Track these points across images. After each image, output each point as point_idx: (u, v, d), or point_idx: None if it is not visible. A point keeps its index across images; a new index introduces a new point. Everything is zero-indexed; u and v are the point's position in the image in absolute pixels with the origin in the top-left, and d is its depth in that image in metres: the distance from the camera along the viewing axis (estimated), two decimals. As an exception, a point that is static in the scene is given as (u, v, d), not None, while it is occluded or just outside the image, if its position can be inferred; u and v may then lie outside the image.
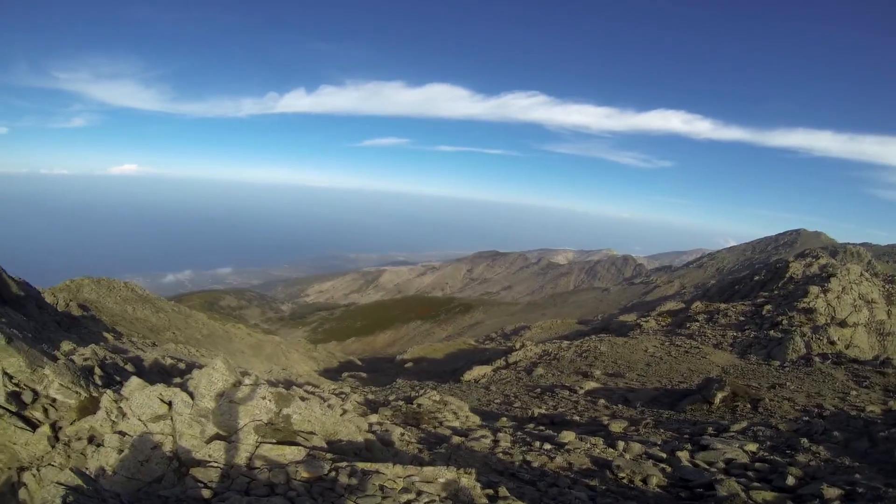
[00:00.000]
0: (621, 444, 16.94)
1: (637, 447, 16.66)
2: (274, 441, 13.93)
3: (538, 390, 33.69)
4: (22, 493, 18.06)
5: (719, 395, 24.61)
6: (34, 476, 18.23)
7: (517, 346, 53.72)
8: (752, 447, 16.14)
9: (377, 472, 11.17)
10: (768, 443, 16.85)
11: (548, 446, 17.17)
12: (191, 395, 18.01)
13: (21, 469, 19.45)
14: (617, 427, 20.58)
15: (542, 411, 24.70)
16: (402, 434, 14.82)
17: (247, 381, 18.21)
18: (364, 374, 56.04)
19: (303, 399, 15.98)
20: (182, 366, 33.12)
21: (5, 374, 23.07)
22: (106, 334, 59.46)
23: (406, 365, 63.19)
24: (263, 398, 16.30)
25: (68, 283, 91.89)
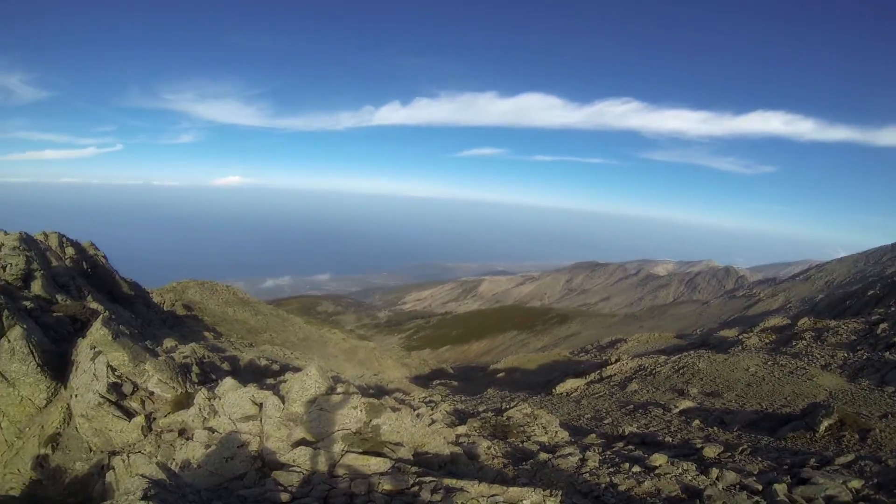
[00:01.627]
0: (714, 471, 15.81)
1: (731, 476, 15.50)
2: (360, 451, 13.76)
3: (630, 407, 32.42)
4: (109, 476, 18.70)
5: (825, 423, 22.62)
6: (123, 461, 18.87)
7: (612, 359, 52.30)
8: (856, 484, 14.64)
9: (461, 489, 10.70)
10: (875, 480, 15.24)
11: (636, 469, 16.25)
12: (282, 398, 18.23)
13: (112, 454, 20.20)
14: (711, 452, 19.34)
15: (633, 430, 23.52)
16: (489, 447, 14.37)
17: (339, 388, 18.18)
18: (455, 383, 55.92)
19: (394, 410, 15.75)
20: (276, 367, 33.85)
21: (109, 366, 24.24)
22: (206, 333, 62.08)
23: (498, 375, 62.69)
24: (355, 408, 16.21)
25: (175, 284, 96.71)
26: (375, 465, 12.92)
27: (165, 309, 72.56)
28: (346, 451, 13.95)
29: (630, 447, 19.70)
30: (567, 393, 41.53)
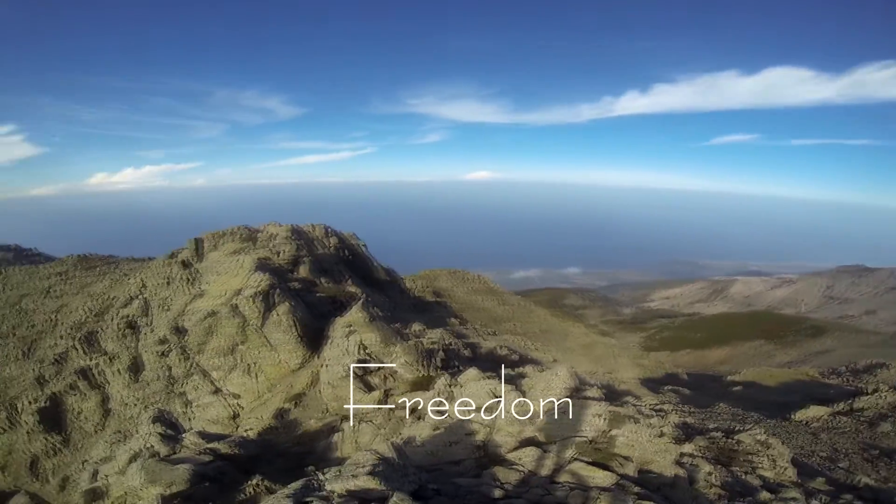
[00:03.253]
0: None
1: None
2: (589, 460, 13.76)
3: (875, 452, 28.24)
4: (335, 437, 20.83)
5: None
6: (352, 427, 20.90)
7: (867, 388, 45.59)
8: None
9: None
10: None
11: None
12: (522, 393, 18.84)
13: (344, 418, 22.51)
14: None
15: (870, 482, 20.14)
16: (709, 474, 13.68)
17: (588, 392, 18.32)
18: (686, 391, 52.88)
19: (635, 422, 15.58)
20: (514, 357, 34.93)
21: (361, 344, 27.16)
22: (452, 320, 65.43)
23: (733, 388, 58.00)
24: (598, 415, 16.26)
25: (427, 272, 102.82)
26: (600, 478, 12.85)
27: (416, 294, 77.63)
28: (575, 459, 13.96)
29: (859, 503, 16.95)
30: (806, 421, 36.97)
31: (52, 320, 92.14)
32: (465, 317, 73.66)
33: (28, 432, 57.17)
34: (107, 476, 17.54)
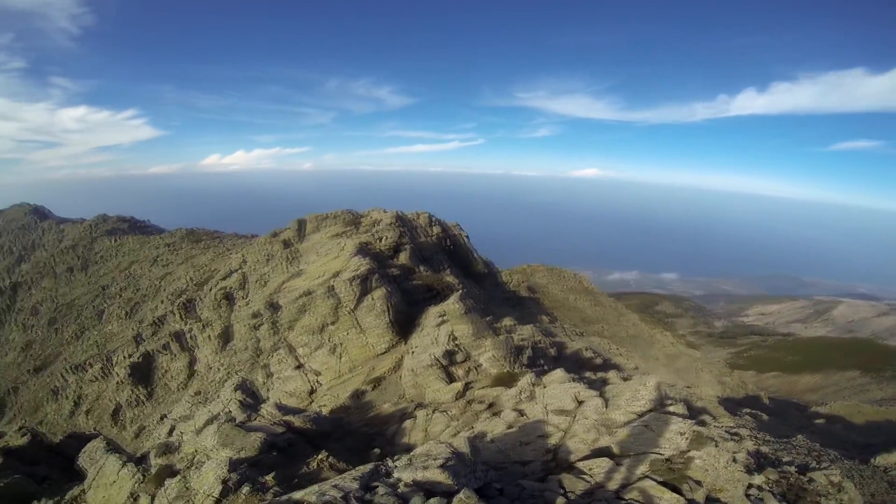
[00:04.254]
0: None
1: None
2: (660, 479, 13.03)
3: None
4: (407, 423, 20.55)
5: None
6: (426, 415, 20.60)
7: None
8: None
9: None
10: None
11: None
12: (606, 401, 18.12)
13: (419, 405, 22.26)
14: None
15: None
16: (772, 511, 12.62)
17: (672, 408, 17.35)
18: (765, 417, 49.76)
19: (715, 445, 14.71)
20: (598, 361, 33.98)
21: (452, 335, 26.93)
22: (542, 317, 64.73)
23: (816, 420, 54.06)
24: (681, 434, 15.27)
25: (524, 267, 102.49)
26: (668, 500, 12.06)
27: (511, 289, 77.23)
28: (646, 476, 13.27)
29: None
30: (886, 468, 33.49)
31: (155, 286, 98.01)
32: (556, 315, 72.75)
33: (118, 383, 61.18)
34: (182, 433, 18.08)
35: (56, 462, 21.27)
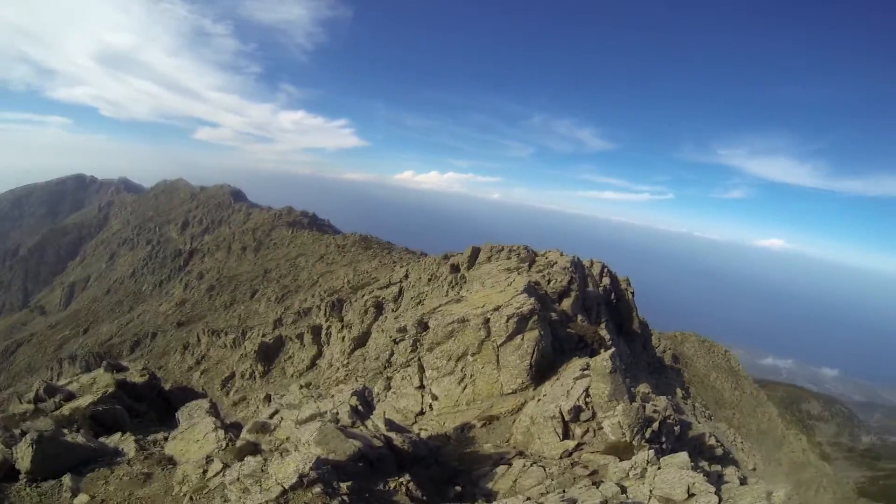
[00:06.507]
0: None
1: None
2: None
3: None
4: (500, 469, 19.70)
5: None
6: (522, 465, 19.81)
7: None
8: None
9: None
10: None
11: None
12: (719, 500, 16.72)
13: (519, 454, 21.44)
14: None
15: None
16: None
17: None
18: None
19: None
20: (719, 451, 31.40)
21: (587, 392, 25.75)
22: (678, 390, 61.39)
23: None
24: None
25: (676, 334, 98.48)
26: None
27: (655, 354, 74.15)
28: None
29: None
30: None
31: (312, 280, 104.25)
32: (692, 390, 69.17)
33: (243, 355, 65.72)
34: (283, 419, 18.68)
35: (157, 405, 23.15)
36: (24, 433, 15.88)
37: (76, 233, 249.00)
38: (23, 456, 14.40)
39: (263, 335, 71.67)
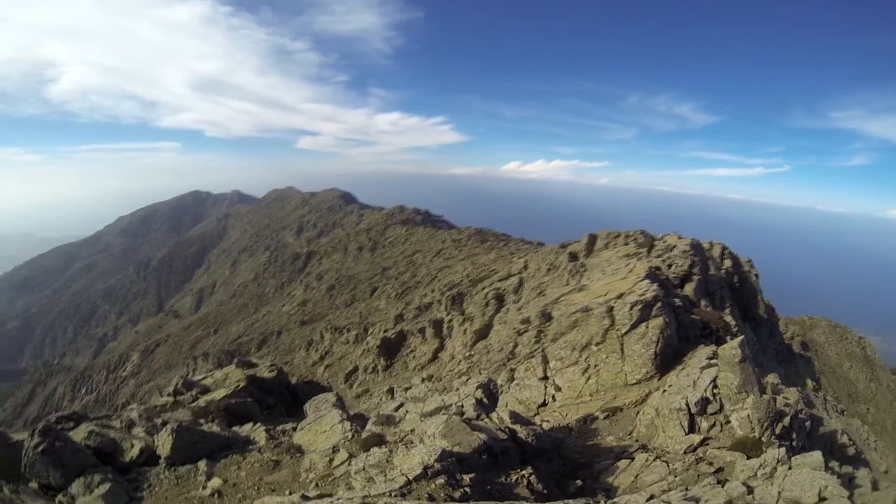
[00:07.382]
0: None
1: None
2: None
3: None
4: (621, 464, 19.58)
5: None
6: (645, 460, 19.52)
7: None
8: None
9: None
10: None
11: None
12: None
13: (642, 447, 20.97)
14: None
15: None
16: None
17: None
18: None
19: None
20: (851, 451, 29.13)
21: (714, 382, 24.55)
22: (808, 381, 57.67)
23: None
24: None
25: (805, 318, 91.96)
26: None
27: (784, 341, 70.30)
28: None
29: None
30: None
31: (431, 276, 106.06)
32: (823, 381, 64.70)
33: (366, 349, 67.87)
34: (408, 411, 19.51)
35: (285, 398, 25.23)
36: (164, 423, 17.88)
37: (199, 243, 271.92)
38: (163, 443, 16.21)
39: (385, 330, 73.69)
